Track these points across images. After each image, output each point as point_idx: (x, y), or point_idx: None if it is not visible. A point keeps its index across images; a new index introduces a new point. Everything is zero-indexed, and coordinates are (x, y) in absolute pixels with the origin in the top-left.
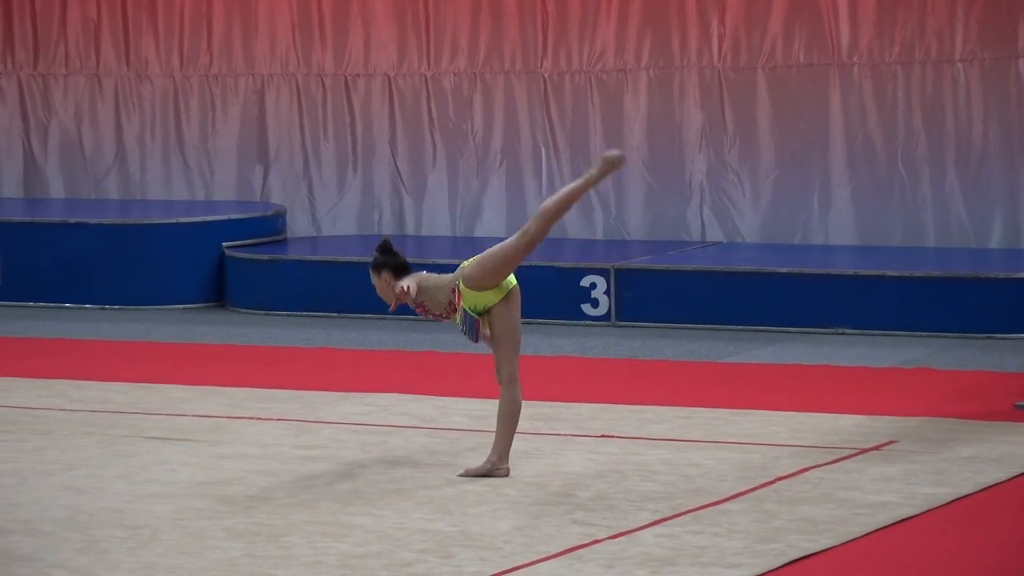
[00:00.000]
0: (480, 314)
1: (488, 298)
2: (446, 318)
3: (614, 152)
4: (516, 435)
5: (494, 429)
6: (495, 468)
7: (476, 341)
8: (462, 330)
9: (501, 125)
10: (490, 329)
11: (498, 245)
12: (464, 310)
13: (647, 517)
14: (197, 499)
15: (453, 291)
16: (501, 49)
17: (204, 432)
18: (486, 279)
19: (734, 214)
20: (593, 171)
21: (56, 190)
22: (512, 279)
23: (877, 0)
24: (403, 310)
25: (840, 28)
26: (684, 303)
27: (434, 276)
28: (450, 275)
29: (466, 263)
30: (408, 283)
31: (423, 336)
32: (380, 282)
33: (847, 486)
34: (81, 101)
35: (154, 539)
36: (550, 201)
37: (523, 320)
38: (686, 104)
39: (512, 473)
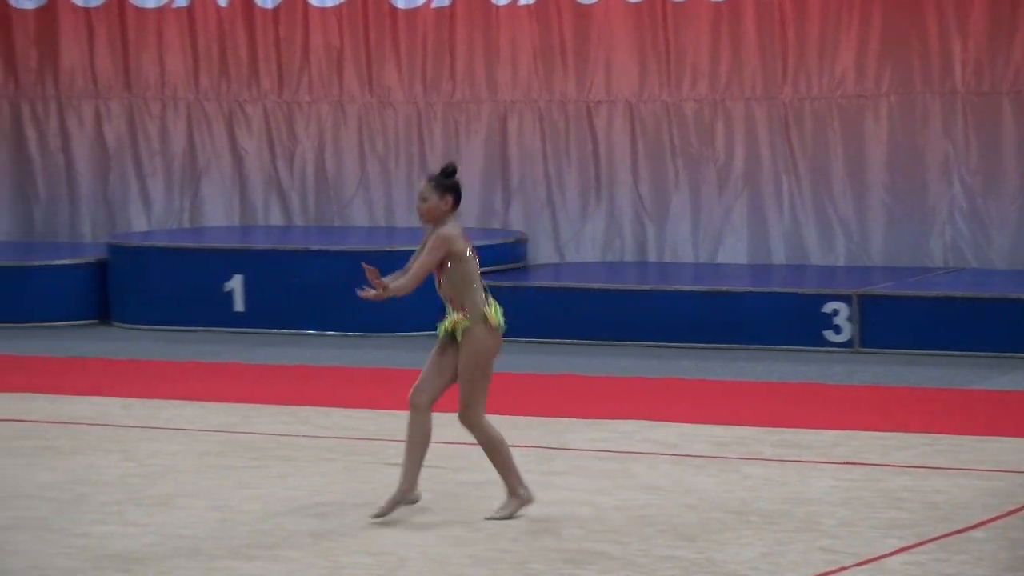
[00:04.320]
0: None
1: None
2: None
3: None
4: (759, 461)
5: (736, 456)
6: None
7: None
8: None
9: (742, 151)
10: (464, 359)
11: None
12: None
13: (893, 544)
14: (440, 526)
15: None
16: (741, 75)
17: (447, 458)
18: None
19: (979, 239)
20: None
21: (301, 217)
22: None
23: None
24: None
25: None
26: (928, 329)
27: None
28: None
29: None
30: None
31: (664, 364)
32: (427, 201)
33: None
34: (325, 128)
35: (400, 566)
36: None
37: (765, 347)
38: (929, 130)
39: (757, 499)
